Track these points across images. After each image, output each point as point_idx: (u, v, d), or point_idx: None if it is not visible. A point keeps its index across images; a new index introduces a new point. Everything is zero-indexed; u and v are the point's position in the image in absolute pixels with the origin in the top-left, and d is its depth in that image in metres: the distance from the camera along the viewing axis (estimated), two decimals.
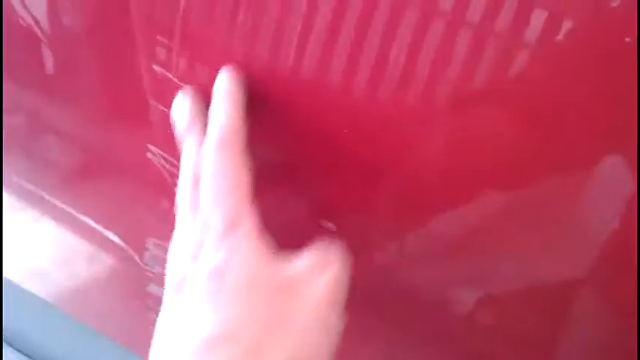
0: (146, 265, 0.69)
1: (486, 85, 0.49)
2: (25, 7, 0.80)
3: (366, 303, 0.64)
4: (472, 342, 0.63)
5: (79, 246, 0.83)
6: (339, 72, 0.53)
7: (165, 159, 0.62)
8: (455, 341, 0.64)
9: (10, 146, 0.90)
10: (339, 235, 0.56)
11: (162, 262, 0.65)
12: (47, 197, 0.86)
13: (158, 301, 0.62)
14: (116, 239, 0.75)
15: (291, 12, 0.53)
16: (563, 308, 0.56)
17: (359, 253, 0.57)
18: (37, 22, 0.81)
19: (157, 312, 0.69)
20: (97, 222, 0.78)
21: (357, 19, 0.51)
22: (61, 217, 0.84)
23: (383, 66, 0.51)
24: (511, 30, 0.46)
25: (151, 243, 0.67)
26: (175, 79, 0.59)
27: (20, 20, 0.81)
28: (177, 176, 0.56)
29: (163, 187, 0.64)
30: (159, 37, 0.58)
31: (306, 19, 0.52)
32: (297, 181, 0.60)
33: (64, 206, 0.84)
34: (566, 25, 0.45)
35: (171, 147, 0.60)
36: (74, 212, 0.82)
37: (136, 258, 0.71)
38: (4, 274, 0.88)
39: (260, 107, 0.57)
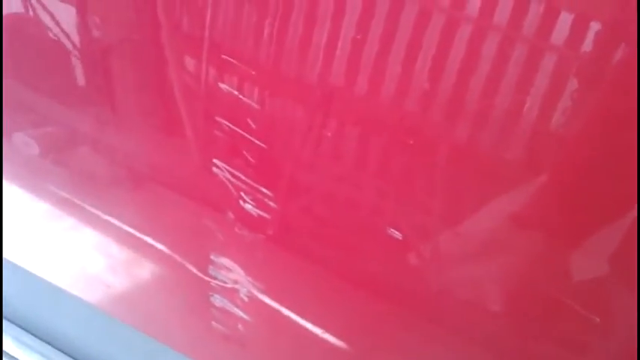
0: (211, 277, 0.71)
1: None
2: (54, 20, 0.81)
3: (403, 300, 0.66)
4: (506, 338, 0.64)
5: (123, 255, 0.85)
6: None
7: (231, 173, 0.63)
8: (489, 337, 0.65)
9: (44, 157, 0.91)
10: (404, 243, 0.58)
11: (227, 273, 0.67)
12: (87, 207, 0.88)
13: (223, 312, 0.64)
14: (165, 249, 0.77)
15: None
16: (597, 307, 0.58)
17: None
18: (66, 35, 0.82)
19: (221, 322, 0.71)
20: (144, 233, 0.79)
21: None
22: (103, 226, 0.85)
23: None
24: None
25: (215, 256, 0.69)
26: (242, 98, 0.60)
27: (50, 34, 0.82)
28: (242, 190, 0.58)
29: (229, 200, 0.65)
30: (224, 57, 0.60)
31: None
32: (367, 190, 0.62)
33: (106, 216, 0.85)
34: None
35: (237, 161, 0.61)
36: (118, 222, 0.83)
37: (194, 269, 0.72)
38: (51, 280, 0.90)
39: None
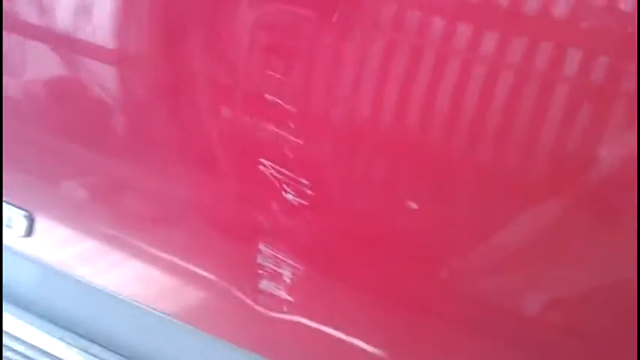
0: (260, 264, 0.80)
1: None
2: (95, 79, 0.90)
3: (437, 312, 0.73)
4: (544, 342, 0.68)
5: (168, 282, 0.93)
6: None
7: (274, 169, 0.73)
8: (527, 342, 0.70)
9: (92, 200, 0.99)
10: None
11: (274, 259, 0.76)
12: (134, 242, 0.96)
13: (269, 296, 0.72)
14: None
15: None
16: (631, 304, 0.62)
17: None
18: (107, 91, 0.91)
19: (267, 307, 0.80)
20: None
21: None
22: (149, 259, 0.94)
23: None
24: None
25: (263, 245, 0.78)
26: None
27: (93, 91, 0.92)
28: (284, 182, 0.68)
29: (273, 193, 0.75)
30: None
31: None
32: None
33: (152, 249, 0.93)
34: None
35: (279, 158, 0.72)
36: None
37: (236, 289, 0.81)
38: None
39: None
